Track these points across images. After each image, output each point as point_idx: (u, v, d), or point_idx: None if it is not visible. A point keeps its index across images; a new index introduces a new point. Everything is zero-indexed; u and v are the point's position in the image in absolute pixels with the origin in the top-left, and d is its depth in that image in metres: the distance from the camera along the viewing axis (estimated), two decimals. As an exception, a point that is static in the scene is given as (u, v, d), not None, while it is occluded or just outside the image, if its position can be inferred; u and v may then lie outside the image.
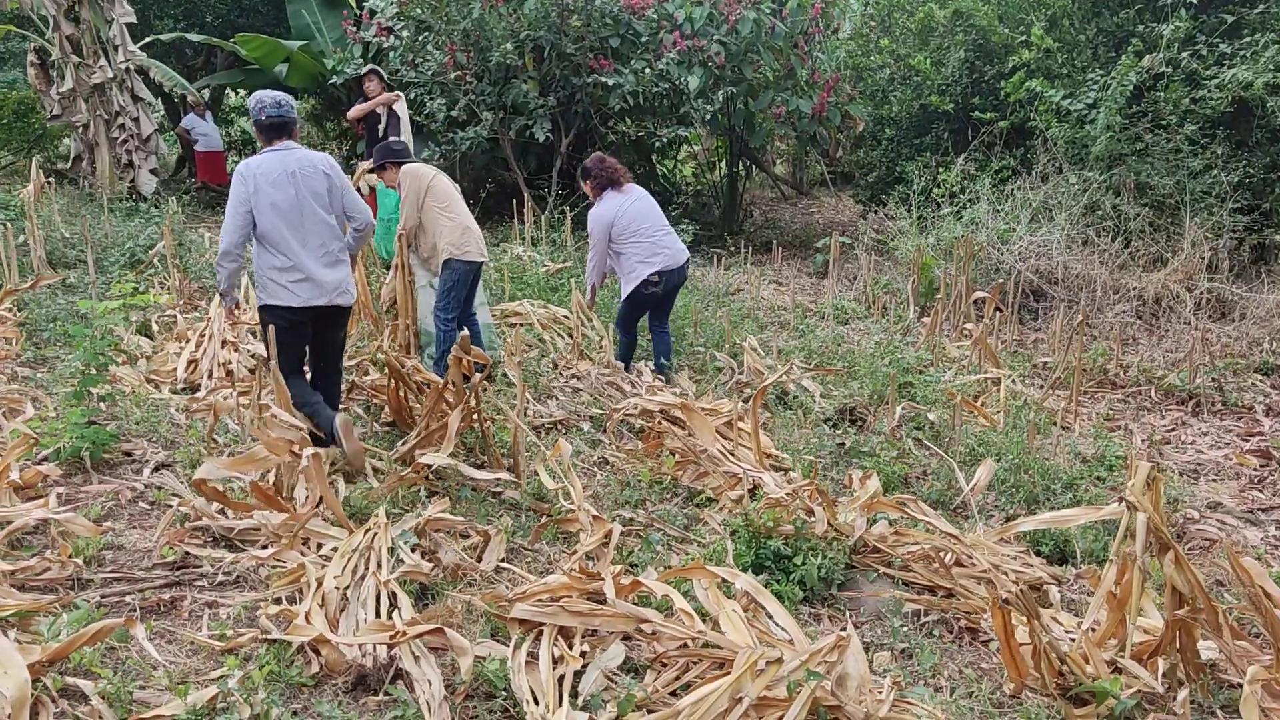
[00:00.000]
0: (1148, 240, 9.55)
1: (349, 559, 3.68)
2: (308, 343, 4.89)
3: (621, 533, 4.28)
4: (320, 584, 3.52)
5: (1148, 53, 9.91)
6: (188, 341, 6.44)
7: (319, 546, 3.95)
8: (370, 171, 6.62)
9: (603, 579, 3.55)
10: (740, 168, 14.35)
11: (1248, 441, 6.38)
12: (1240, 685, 3.06)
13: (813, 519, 4.25)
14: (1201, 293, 8.95)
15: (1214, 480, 5.83)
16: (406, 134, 9.60)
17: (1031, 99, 10.52)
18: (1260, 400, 7.06)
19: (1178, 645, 3.35)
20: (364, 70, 9.50)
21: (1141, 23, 10.38)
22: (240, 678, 2.92)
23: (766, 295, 9.86)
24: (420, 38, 11.25)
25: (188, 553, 3.86)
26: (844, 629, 3.55)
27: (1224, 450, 6.25)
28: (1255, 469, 5.92)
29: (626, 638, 3.38)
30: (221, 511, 4.17)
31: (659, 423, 5.61)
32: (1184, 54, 9.85)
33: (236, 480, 4.50)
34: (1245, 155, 9.86)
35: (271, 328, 4.66)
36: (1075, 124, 10.05)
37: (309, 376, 5.03)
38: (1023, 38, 10.85)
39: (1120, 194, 9.74)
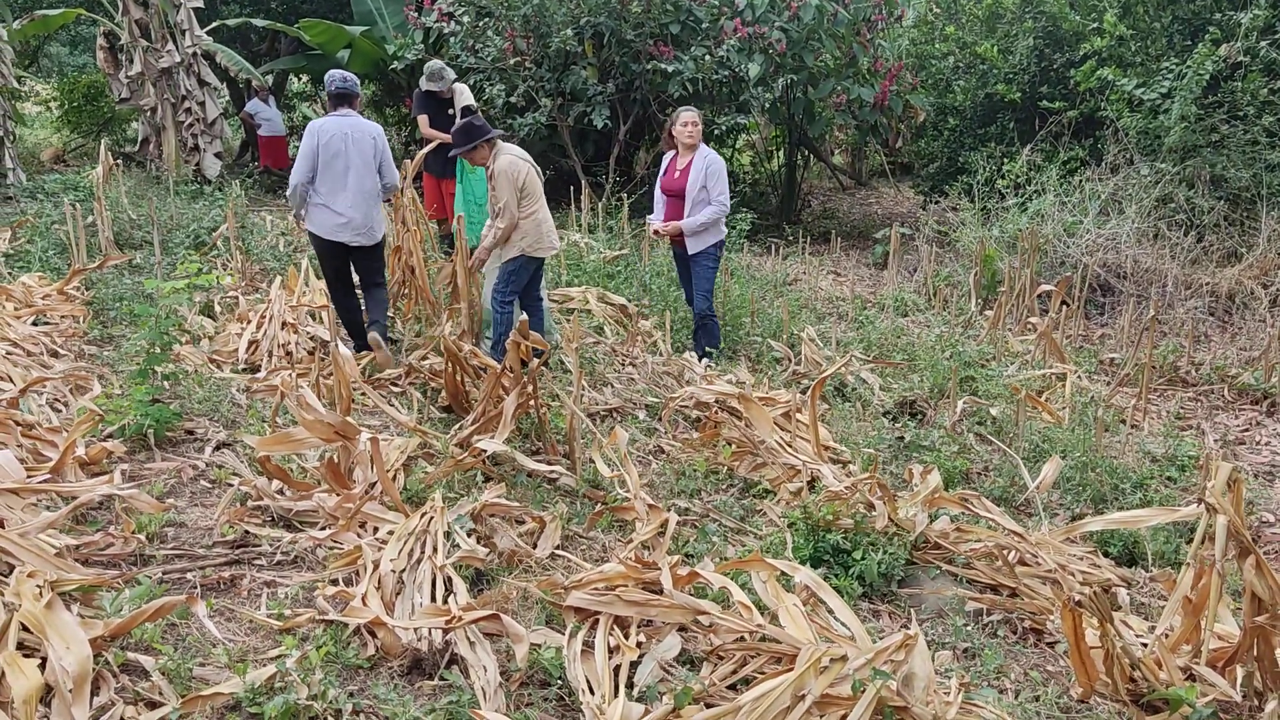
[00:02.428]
0: (1222, 234, 9.26)
1: (405, 542, 3.68)
2: (342, 264, 6.14)
3: (677, 523, 4.24)
4: (376, 567, 3.51)
5: (1225, 41, 9.58)
6: (249, 323, 6.50)
7: (375, 529, 3.95)
8: (460, 153, 6.38)
9: (659, 569, 3.51)
10: (798, 157, 14.18)
11: (1326, 444, 6.16)
12: (1323, 697, 2.94)
13: (873, 513, 4.16)
14: (1278, 289, 8.65)
15: (1290, 483, 5.63)
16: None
17: (1103, 88, 10.23)
18: (1340, 401, 6.81)
19: (1255, 653, 3.22)
20: (451, 80, 9.14)
21: (1219, 10, 10.04)
22: (298, 658, 2.92)
23: (824, 286, 9.74)
24: (480, 23, 11.26)
25: (247, 531, 3.88)
26: (906, 626, 3.47)
27: (1301, 452, 6.04)
28: (1335, 473, 5.70)
29: (682, 629, 3.34)
30: (280, 492, 4.20)
31: (715, 412, 5.55)
32: (1263, 43, 9.51)
33: (297, 460, 4.53)
34: (1326, 148, 9.51)
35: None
36: (1148, 114, 9.76)
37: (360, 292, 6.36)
38: (1095, 25, 10.55)
39: (1194, 186, 9.45)
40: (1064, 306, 8.30)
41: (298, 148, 6.18)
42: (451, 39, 11.43)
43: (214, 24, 13.39)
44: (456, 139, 6.13)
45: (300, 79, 18.52)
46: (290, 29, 13.60)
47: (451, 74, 9.02)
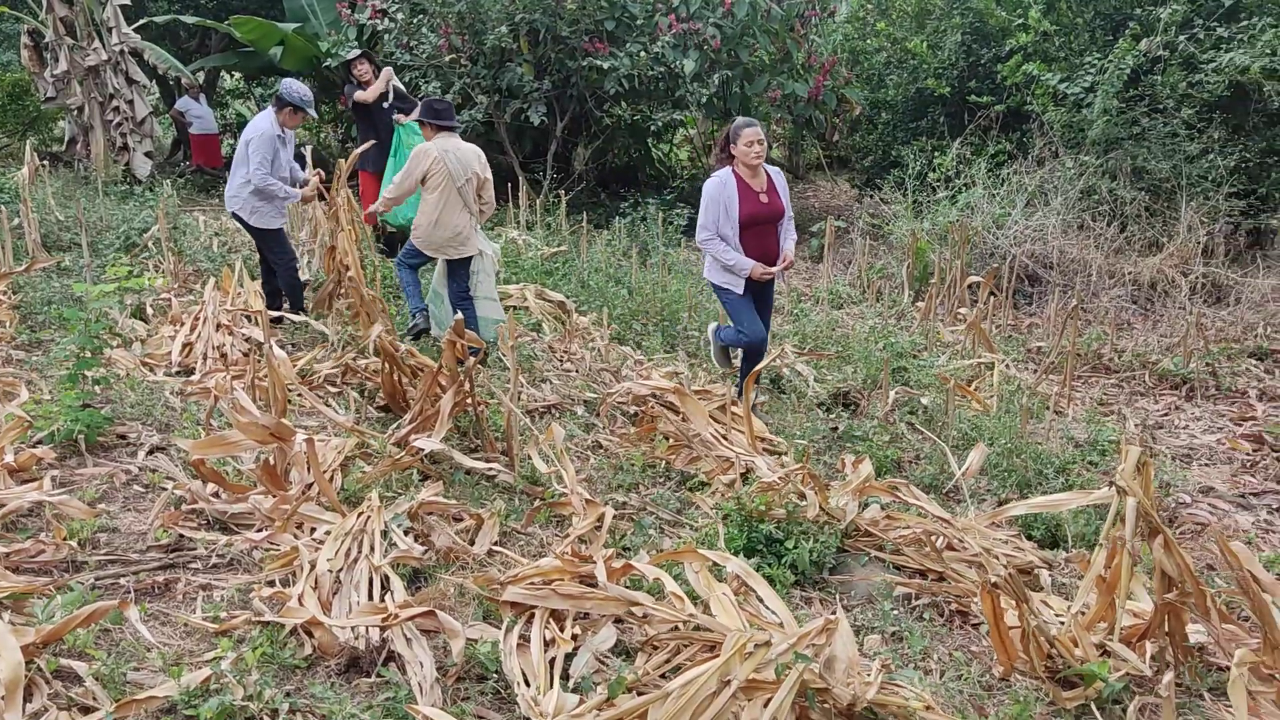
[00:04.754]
0: (1143, 225, 9.55)
1: (342, 542, 3.69)
2: None
3: (614, 516, 4.30)
4: (313, 567, 3.53)
5: (1145, 36, 9.88)
6: (182, 325, 6.43)
7: (312, 530, 3.95)
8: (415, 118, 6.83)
9: (595, 562, 3.57)
10: (736, 151, 14.29)
11: (1240, 426, 6.40)
12: (1228, 668, 3.08)
13: (805, 503, 4.26)
14: (1197, 277, 8.96)
15: (1207, 465, 5.85)
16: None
17: (1028, 82, 10.50)
18: (1253, 385, 7.08)
19: (1166, 629, 3.37)
20: (355, 54, 9.37)
21: (1139, 6, 10.35)
22: (233, 659, 2.94)
23: (762, 279, 9.83)
24: (415, 20, 11.20)
25: (182, 535, 3.87)
26: (834, 612, 3.57)
27: (1217, 435, 6.27)
28: (1247, 453, 5.94)
29: (618, 621, 3.40)
30: (215, 494, 4.18)
31: (652, 407, 5.62)
32: (1181, 37, 9.83)
33: (232, 462, 4.51)
34: (1241, 139, 9.87)
35: None
36: (1072, 108, 10.04)
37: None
38: (1020, 20, 10.82)
39: (1116, 178, 9.74)
40: (993, 297, 8.51)
41: (232, 146, 6.27)
42: (385, 36, 11.36)
43: (141, 21, 13.15)
44: (421, 109, 6.63)
45: (232, 76, 18.23)
46: (220, 26, 13.39)
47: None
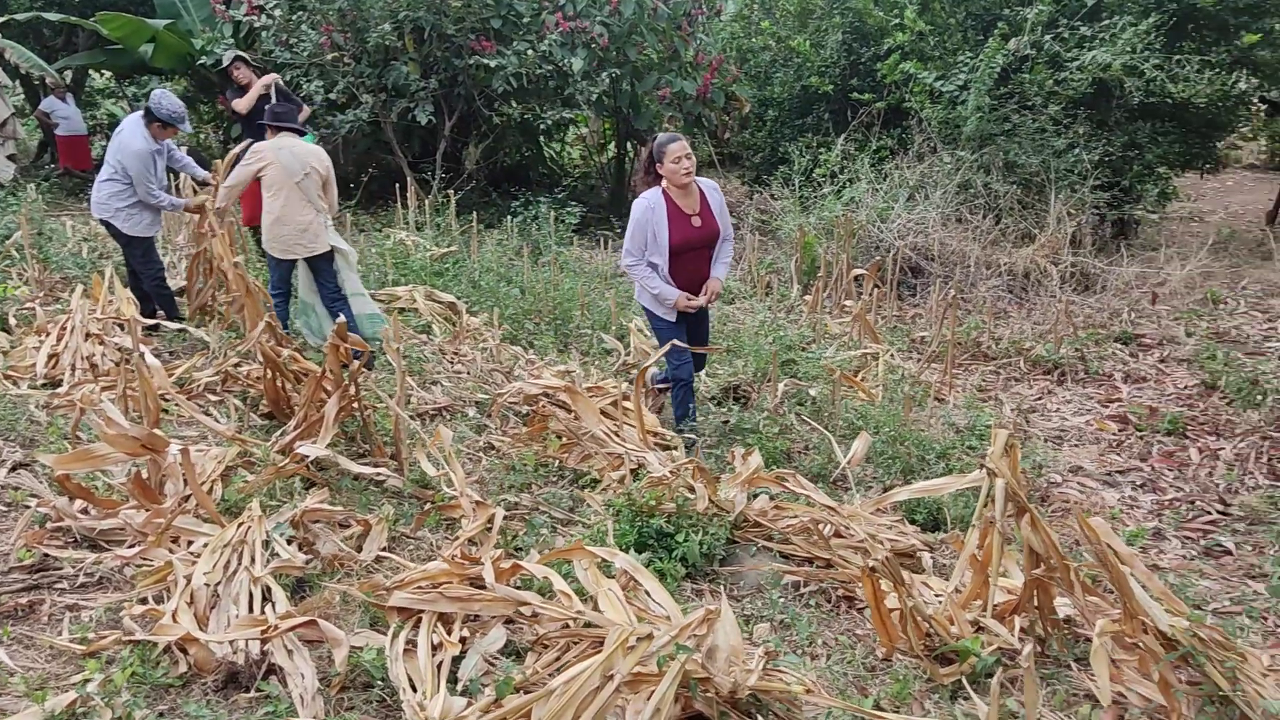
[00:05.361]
0: (1017, 217, 9.91)
1: (220, 554, 3.58)
2: None
3: (507, 517, 4.28)
4: (189, 581, 3.41)
5: (1013, 36, 10.25)
6: (48, 335, 6.14)
7: (189, 544, 3.83)
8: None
9: (483, 564, 3.54)
10: (628, 149, 14.36)
11: (1107, 408, 6.71)
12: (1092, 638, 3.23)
13: (694, 496, 4.31)
14: (1066, 267, 9.33)
15: (1076, 445, 6.11)
16: None
17: (906, 80, 10.78)
18: (1119, 368, 7.42)
19: (1035, 603, 3.51)
20: (230, 59, 9.07)
21: (1007, 6, 10.73)
22: (101, 681, 2.82)
23: (654, 276, 9.89)
24: (294, 17, 10.92)
25: (47, 555, 3.70)
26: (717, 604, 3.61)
27: (1086, 417, 6.55)
28: (1113, 434, 6.23)
29: (508, 621, 3.38)
30: (84, 510, 4.01)
31: (544, 406, 5.61)
32: (1047, 37, 10.23)
33: (103, 477, 4.33)
34: (1105, 134, 10.32)
35: None
36: (947, 105, 10.35)
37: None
38: (897, 20, 11.10)
39: (990, 172, 10.07)
40: (877, 288, 8.73)
41: (103, 148, 6.05)
42: (264, 33, 11.05)
43: (2, 19, 12.51)
44: (265, 112, 6.54)
45: (101, 75, 17.47)
46: (86, 23, 12.82)
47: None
